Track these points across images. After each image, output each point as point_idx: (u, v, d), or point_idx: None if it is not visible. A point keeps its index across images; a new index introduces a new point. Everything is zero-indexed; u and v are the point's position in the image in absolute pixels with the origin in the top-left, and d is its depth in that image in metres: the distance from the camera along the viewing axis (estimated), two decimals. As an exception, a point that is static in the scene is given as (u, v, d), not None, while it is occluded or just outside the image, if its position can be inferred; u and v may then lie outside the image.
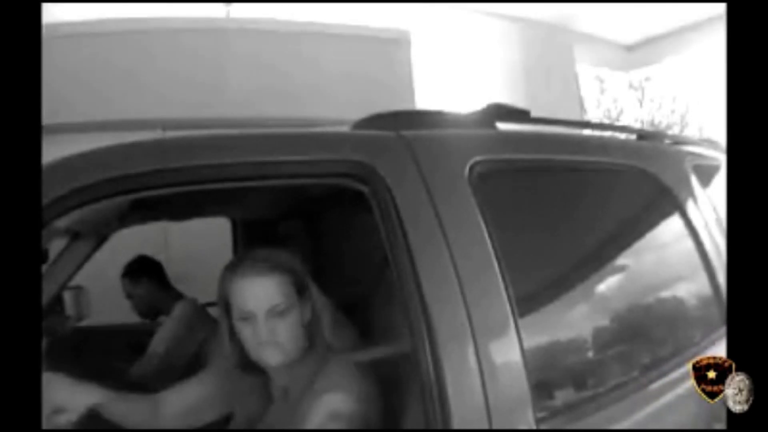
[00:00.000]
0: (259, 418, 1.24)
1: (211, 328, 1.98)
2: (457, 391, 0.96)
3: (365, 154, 1.08)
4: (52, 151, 0.98)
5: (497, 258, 1.06)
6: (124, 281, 2.42)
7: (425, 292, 1.00)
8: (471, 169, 1.14)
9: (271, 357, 1.12)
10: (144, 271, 2.42)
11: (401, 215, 1.04)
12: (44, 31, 1.00)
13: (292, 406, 1.16)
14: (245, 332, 1.13)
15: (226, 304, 1.16)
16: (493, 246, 1.07)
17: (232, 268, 1.15)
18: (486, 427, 0.97)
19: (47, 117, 1.05)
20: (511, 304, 1.04)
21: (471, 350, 0.99)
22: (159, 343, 2.21)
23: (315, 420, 1.08)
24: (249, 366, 1.18)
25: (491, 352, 1.01)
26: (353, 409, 1.09)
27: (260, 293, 1.11)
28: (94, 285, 2.17)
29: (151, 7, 3.59)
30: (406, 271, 1.01)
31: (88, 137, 2.51)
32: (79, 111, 3.14)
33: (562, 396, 1.13)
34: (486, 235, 1.07)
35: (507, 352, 1.02)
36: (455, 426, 0.95)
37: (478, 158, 1.16)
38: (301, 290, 1.16)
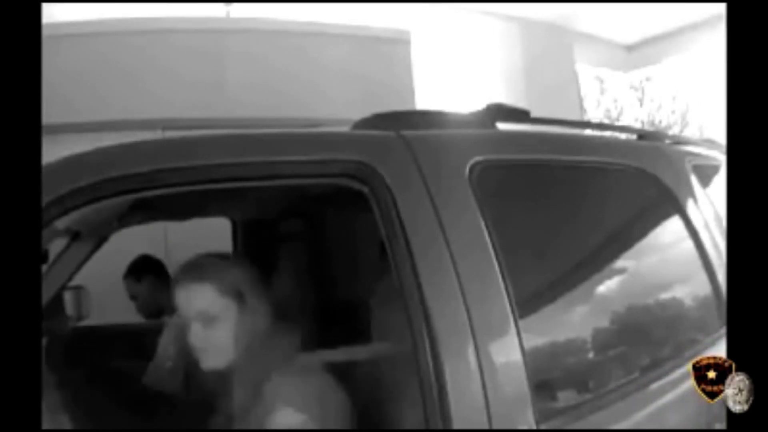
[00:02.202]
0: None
1: None
2: (457, 392, 0.96)
3: (365, 154, 1.08)
4: (52, 151, 0.98)
5: (497, 258, 1.06)
6: (127, 281, 2.41)
7: (425, 292, 1.00)
8: (471, 169, 1.13)
9: (208, 361, 1.16)
10: (147, 270, 2.42)
11: (401, 215, 1.04)
12: (44, 31, 1.00)
13: (242, 411, 1.16)
14: (188, 336, 1.16)
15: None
16: (493, 246, 1.07)
17: (175, 275, 1.19)
18: (486, 427, 0.97)
19: (47, 117, 1.05)
20: (511, 304, 1.04)
21: (471, 350, 0.99)
22: (167, 345, 2.20)
23: None
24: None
25: (491, 352, 1.00)
26: (303, 420, 1.09)
27: (189, 298, 1.15)
28: (94, 285, 2.17)
29: (151, 7, 3.60)
30: (406, 271, 1.01)
31: (88, 137, 2.53)
32: (79, 111, 3.14)
33: (562, 396, 1.13)
34: (486, 235, 1.07)
35: (507, 353, 1.02)
36: (455, 426, 0.95)
37: (478, 158, 1.16)
38: (239, 299, 1.16)
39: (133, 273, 2.41)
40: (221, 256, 1.25)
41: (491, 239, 1.07)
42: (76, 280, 2.03)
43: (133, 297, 2.41)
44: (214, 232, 2.49)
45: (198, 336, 1.14)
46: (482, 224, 1.08)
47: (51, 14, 3.22)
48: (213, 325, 1.14)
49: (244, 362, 1.16)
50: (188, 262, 1.19)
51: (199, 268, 1.17)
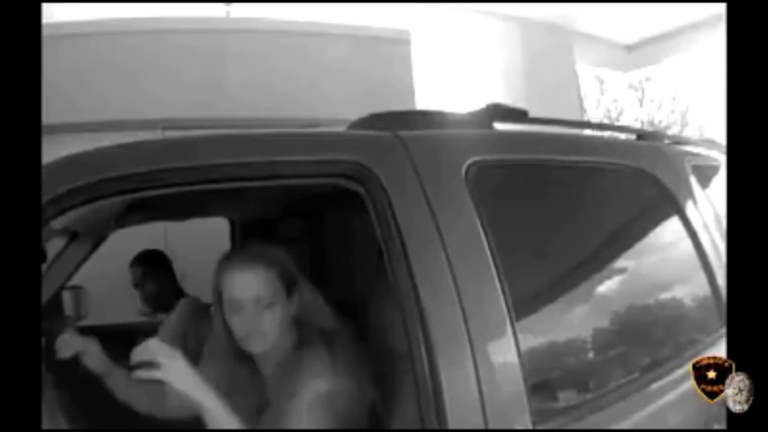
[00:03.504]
0: (249, 408, 1.25)
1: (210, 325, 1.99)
2: (453, 393, 0.96)
3: (361, 155, 1.08)
4: (52, 151, 0.98)
5: (494, 259, 1.06)
6: (133, 269, 2.43)
7: (421, 292, 0.99)
8: (467, 169, 1.13)
9: (255, 345, 1.18)
10: (155, 260, 2.44)
11: (397, 216, 1.04)
12: (44, 31, 1.00)
13: (277, 395, 1.20)
14: (234, 321, 1.19)
15: (219, 296, 1.22)
16: (490, 247, 1.07)
17: (225, 261, 1.21)
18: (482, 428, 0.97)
19: (47, 117, 1.05)
20: (507, 305, 1.04)
21: (467, 350, 0.99)
22: (163, 341, 2.20)
23: (299, 405, 1.12)
24: (239, 356, 1.24)
25: (487, 353, 1.00)
26: (332, 390, 1.13)
27: (248, 284, 1.17)
28: (94, 285, 2.17)
29: (151, 7, 3.60)
30: (402, 272, 1.01)
31: (88, 137, 2.53)
32: (79, 111, 3.14)
33: (561, 397, 1.13)
34: (483, 235, 1.07)
35: (503, 353, 1.02)
36: (451, 427, 0.95)
37: (475, 158, 1.15)
38: (290, 286, 1.21)
39: (140, 261, 2.43)
40: (270, 246, 1.28)
41: (488, 240, 1.07)
42: (75, 280, 2.03)
43: (137, 285, 2.42)
44: (213, 232, 2.50)
45: (248, 321, 1.16)
46: (479, 225, 1.08)
47: (51, 14, 3.22)
48: (267, 309, 1.17)
49: (294, 348, 1.22)
50: (241, 250, 1.24)
51: (256, 254, 1.20)
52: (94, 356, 1.35)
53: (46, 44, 1.01)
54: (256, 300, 1.16)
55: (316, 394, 1.12)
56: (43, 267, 1.81)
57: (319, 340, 1.22)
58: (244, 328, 1.17)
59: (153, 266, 2.43)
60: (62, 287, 1.98)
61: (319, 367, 1.16)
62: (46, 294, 1.85)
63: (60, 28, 3.11)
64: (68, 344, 1.32)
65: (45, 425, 1.01)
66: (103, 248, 2.02)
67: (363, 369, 1.21)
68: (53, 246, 1.88)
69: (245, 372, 1.27)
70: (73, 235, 1.91)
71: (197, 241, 2.62)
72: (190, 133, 1.20)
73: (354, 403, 1.16)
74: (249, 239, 2.34)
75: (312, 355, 1.19)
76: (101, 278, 2.22)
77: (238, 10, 3.97)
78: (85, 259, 1.98)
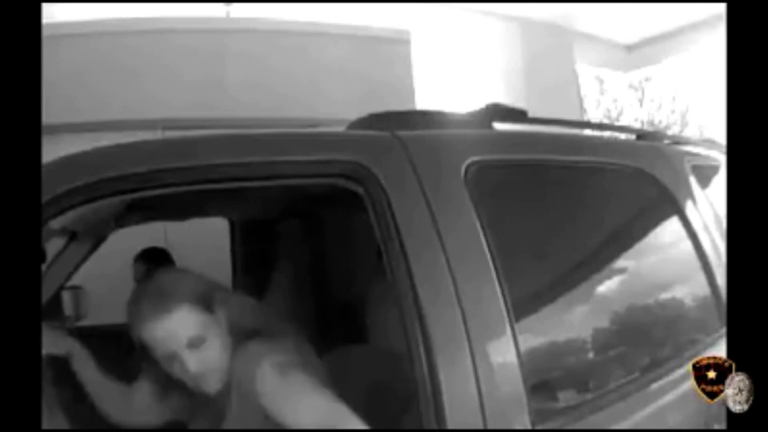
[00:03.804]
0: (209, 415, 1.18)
1: None
2: (452, 393, 0.96)
3: (360, 155, 1.08)
4: (52, 151, 0.98)
5: (493, 259, 1.06)
6: (137, 265, 2.44)
7: (420, 293, 0.99)
8: (467, 169, 1.13)
9: (208, 386, 1.07)
10: (160, 258, 2.46)
11: (396, 216, 1.03)
12: (44, 31, 1.00)
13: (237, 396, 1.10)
14: (174, 369, 1.07)
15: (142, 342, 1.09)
16: (489, 247, 1.06)
17: (136, 309, 1.07)
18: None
19: (47, 117, 1.05)
20: (506, 305, 1.04)
21: (466, 351, 0.98)
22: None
23: (265, 381, 1.02)
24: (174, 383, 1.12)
25: (487, 353, 1.00)
26: (289, 359, 1.05)
27: (173, 331, 1.05)
28: (93, 285, 2.17)
29: (151, 7, 3.60)
30: (401, 272, 1.01)
31: (88, 137, 2.53)
32: (79, 111, 3.14)
33: (560, 397, 1.13)
34: (482, 236, 1.07)
35: (502, 353, 1.02)
36: (450, 427, 0.95)
37: (474, 159, 1.15)
38: (208, 303, 1.09)
39: (144, 257, 2.44)
40: (169, 271, 1.16)
41: (487, 240, 1.07)
42: (75, 280, 2.03)
43: (138, 281, 2.43)
44: (213, 232, 2.50)
45: (192, 364, 1.05)
46: (478, 225, 1.07)
47: (51, 14, 3.22)
48: (203, 346, 1.06)
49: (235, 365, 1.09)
50: (146, 294, 1.08)
51: (168, 295, 1.06)
52: (79, 359, 1.24)
53: (46, 44, 1.01)
54: (188, 344, 1.05)
55: (274, 363, 1.03)
56: (43, 267, 1.81)
57: (258, 337, 1.10)
58: (190, 376, 1.06)
59: (157, 263, 2.44)
60: (62, 287, 1.98)
61: (264, 348, 1.06)
62: (46, 294, 1.85)
63: (60, 28, 3.11)
64: (53, 344, 1.19)
65: (44, 424, 1.01)
66: (103, 248, 2.02)
67: (317, 367, 1.11)
68: (52, 246, 1.88)
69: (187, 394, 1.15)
70: (72, 235, 1.91)
71: (197, 241, 2.62)
72: (190, 133, 1.20)
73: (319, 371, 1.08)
74: (248, 239, 2.35)
75: (253, 346, 1.08)
76: (101, 278, 2.22)
77: (238, 10, 3.97)
78: (84, 259, 1.98)
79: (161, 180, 0.99)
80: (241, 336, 1.11)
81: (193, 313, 1.06)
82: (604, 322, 1.27)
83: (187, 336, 1.05)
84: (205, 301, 1.08)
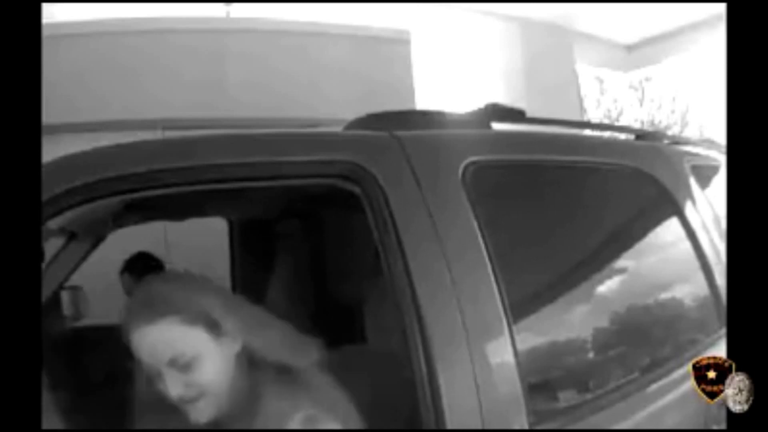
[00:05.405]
0: None
1: None
2: (450, 393, 0.96)
3: (358, 155, 1.08)
4: (51, 151, 0.98)
5: (491, 259, 1.06)
6: (123, 277, 2.40)
7: (418, 293, 0.99)
8: (465, 169, 1.13)
9: (195, 413, 0.91)
10: (145, 266, 2.41)
11: (394, 216, 1.03)
12: (44, 31, 1.00)
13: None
14: (160, 387, 0.92)
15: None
16: (487, 247, 1.06)
17: (123, 318, 0.93)
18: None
19: (47, 117, 1.05)
20: (504, 305, 1.04)
21: (464, 351, 0.99)
22: None
23: None
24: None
25: (485, 353, 1.00)
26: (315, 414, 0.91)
27: (155, 345, 0.90)
28: (94, 285, 2.17)
29: (151, 7, 3.59)
30: (399, 273, 1.01)
31: (88, 137, 2.52)
32: (79, 111, 3.14)
33: (559, 397, 1.13)
34: (479, 236, 1.07)
35: (500, 353, 1.02)
36: (448, 427, 0.95)
37: (472, 159, 1.15)
38: (207, 320, 0.92)
39: (129, 269, 2.40)
40: (159, 277, 1.02)
41: (485, 240, 1.07)
42: (75, 280, 2.03)
43: (129, 293, 2.40)
44: (213, 232, 2.50)
45: (173, 386, 0.90)
46: (475, 225, 1.07)
47: (51, 14, 3.22)
48: (196, 368, 0.90)
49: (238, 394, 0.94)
50: (138, 299, 0.94)
51: (158, 303, 0.92)
52: None
53: (46, 44, 1.01)
54: (169, 362, 0.89)
55: (305, 418, 0.90)
56: (42, 267, 1.81)
57: (278, 379, 0.95)
58: (174, 398, 0.91)
59: (141, 271, 2.33)
60: (61, 287, 1.98)
61: (296, 398, 0.92)
62: (45, 294, 1.84)
63: (60, 28, 3.11)
64: None
65: (45, 425, 1.01)
66: (103, 248, 2.02)
67: (347, 410, 0.98)
68: (51, 246, 1.88)
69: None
70: (71, 235, 1.91)
71: (197, 241, 2.62)
72: (190, 133, 1.20)
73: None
74: (247, 239, 2.34)
75: (272, 400, 0.93)
76: (101, 278, 2.22)
77: (238, 10, 3.97)
78: (83, 259, 1.98)
79: (161, 180, 0.99)
80: (262, 367, 0.96)
81: (181, 327, 0.91)
82: (603, 322, 1.27)
83: (169, 354, 0.90)
84: (202, 315, 0.92)
